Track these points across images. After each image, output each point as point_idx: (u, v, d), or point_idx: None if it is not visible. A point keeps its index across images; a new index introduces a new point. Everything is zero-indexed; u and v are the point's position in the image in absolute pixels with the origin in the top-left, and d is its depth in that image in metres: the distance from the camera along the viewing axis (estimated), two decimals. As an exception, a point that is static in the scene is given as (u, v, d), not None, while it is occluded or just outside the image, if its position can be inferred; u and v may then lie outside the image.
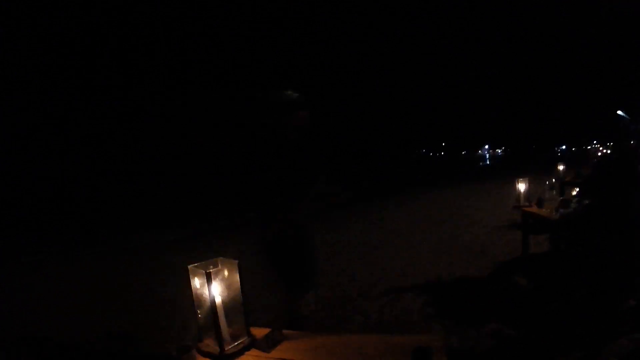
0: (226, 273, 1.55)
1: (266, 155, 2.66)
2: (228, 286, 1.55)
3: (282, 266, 2.67)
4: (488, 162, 53.94)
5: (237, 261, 1.55)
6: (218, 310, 1.53)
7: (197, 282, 1.53)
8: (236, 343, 1.60)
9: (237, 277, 1.56)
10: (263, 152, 2.68)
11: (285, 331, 1.73)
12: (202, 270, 1.49)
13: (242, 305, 1.60)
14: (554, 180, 5.88)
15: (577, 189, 5.18)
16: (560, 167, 7.31)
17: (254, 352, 1.60)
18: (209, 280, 1.48)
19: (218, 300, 1.52)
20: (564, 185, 6.36)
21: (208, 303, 1.52)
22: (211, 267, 1.53)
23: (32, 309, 5.60)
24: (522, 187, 5.47)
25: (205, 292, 1.50)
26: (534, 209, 5.08)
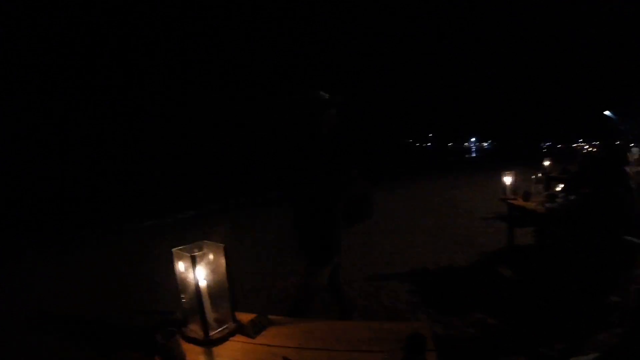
0: (212, 257, 1.52)
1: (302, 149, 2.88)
2: (213, 270, 1.52)
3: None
4: (475, 154, 54.28)
5: (223, 245, 1.52)
6: (203, 294, 1.49)
7: (181, 266, 1.49)
8: (221, 328, 1.58)
9: (223, 261, 1.53)
10: (300, 146, 2.89)
11: (271, 316, 1.71)
12: (186, 254, 1.45)
13: (227, 290, 1.57)
14: (540, 174, 5.93)
15: (563, 185, 5.24)
16: (547, 162, 7.37)
17: (239, 337, 1.58)
18: (193, 263, 1.44)
19: (203, 284, 1.49)
20: (550, 180, 6.41)
21: (193, 287, 1.49)
22: (196, 250, 1.50)
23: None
24: (508, 180, 5.51)
25: (190, 276, 1.47)
26: (520, 202, 5.11)
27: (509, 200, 5.28)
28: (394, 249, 6.02)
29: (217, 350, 1.51)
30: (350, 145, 3.02)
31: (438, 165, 26.39)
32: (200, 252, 1.48)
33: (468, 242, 6.16)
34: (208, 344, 1.52)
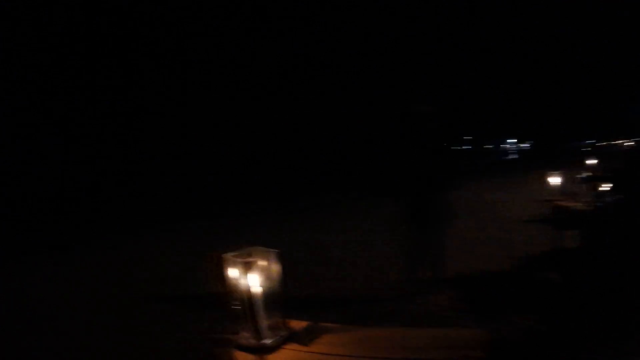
0: (264, 262, 1.49)
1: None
2: (266, 276, 1.49)
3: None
4: (515, 156, 53.20)
5: (276, 250, 1.49)
6: (255, 301, 1.47)
7: (233, 272, 1.47)
8: (274, 336, 1.55)
9: (275, 267, 1.51)
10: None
11: (324, 324, 1.67)
12: (239, 260, 1.43)
13: (280, 296, 1.54)
14: (584, 174, 5.71)
15: (609, 184, 5.04)
16: (590, 161, 7.10)
17: (292, 345, 1.54)
18: (246, 270, 1.42)
19: (256, 290, 1.46)
20: (595, 179, 6.17)
21: (245, 294, 1.46)
22: (247, 256, 1.48)
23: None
24: (553, 180, 5.32)
25: (242, 282, 1.44)
26: (566, 202, 4.93)
27: (555, 202, 5.10)
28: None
29: (270, 358, 1.48)
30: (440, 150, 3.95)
31: (477, 167, 25.90)
32: (253, 259, 1.45)
33: (510, 246, 5.97)
34: (261, 351, 1.49)
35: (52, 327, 4.60)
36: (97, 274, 7.15)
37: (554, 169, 5.56)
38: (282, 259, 1.51)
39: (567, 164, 9.24)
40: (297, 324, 1.65)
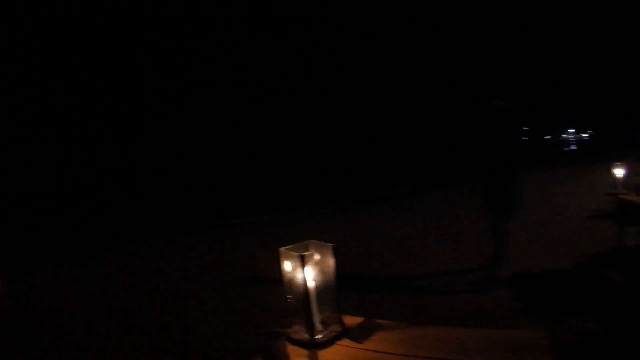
0: (319, 256, 1.47)
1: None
2: (321, 271, 1.47)
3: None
4: (574, 147, 50.93)
5: (331, 244, 1.47)
6: (310, 295, 1.45)
7: (288, 266, 1.46)
8: (327, 331, 1.52)
9: (331, 262, 1.48)
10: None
11: (379, 320, 1.63)
12: (294, 253, 1.42)
13: (334, 291, 1.52)
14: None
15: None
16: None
17: (345, 341, 1.51)
18: (302, 264, 1.40)
19: (311, 285, 1.44)
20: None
21: (299, 288, 1.45)
22: (303, 250, 1.46)
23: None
24: (618, 172, 5.00)
25: (297, 276, 1.43)
26: (631, 196, 4.63)
27: (620, 196, 4.80)
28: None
29: (322, 353, 1.46)
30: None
31: (535, 159, 24.94)
32: (309, 252, 1.44)
33: (571, 242, 5.68)
34: (313, 346, 1.47)
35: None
36: (189, 262, 7.74)
37: (617, 159, 5.22)
38: (338, 253, 1.48)
39: (632, 155, 8.69)
40: (351, 320, 1.62)
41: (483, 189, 4.46)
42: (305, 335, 1.49)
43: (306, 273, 1.41)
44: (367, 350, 1.46)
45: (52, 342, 4.50)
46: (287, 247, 1.46)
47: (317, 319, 1.50)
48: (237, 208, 15.48)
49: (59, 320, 5.23)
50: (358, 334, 1.52)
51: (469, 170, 5.77)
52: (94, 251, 10.98)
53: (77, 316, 5.29)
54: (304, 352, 1.47)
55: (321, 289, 1.48)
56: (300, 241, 1.49)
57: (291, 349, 1.46)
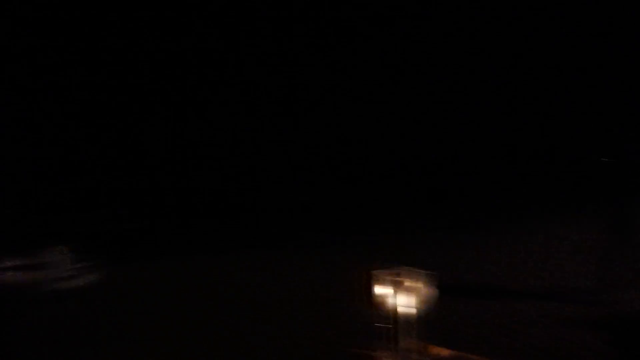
0: (414, 284, 1.44)
1: None
2: (414, 298, 1.44)
3: None
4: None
5: (427, 272, 1.44)
6: (399, 321, 1.42)
7: (380, 290, 1.44)
8: (413, 359, 1.49)
9: (425, 290, 1.45)
10: None
11: (470, 355, 1.57)
12: (388, 278, 1.40)
13: (423, 320, 1.48)
14: None
15: None
16: None
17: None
18: (394, 289, 1.38)
19: (402, 311, 1.42)
20: None
21: (389, 313, 1.43)
22: (397, 275, 1.44)
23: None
24: None
25: (389, 300, 1.41)
26: None
27: None
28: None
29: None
30: None
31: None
32: (403, 278, 1.41)
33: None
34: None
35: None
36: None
37: None
38: (435, 280, 1.44)
39: None
40: (439, 351, 1.57)
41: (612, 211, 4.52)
42: (389, 360, 1.47)
43: (399, 299, 1.39)
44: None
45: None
46: (380, 270, 1.45)
47: (404, 346, 1.47)
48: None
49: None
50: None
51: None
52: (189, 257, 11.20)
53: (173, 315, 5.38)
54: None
55: (412, 316, 1.45)
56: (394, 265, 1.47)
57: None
